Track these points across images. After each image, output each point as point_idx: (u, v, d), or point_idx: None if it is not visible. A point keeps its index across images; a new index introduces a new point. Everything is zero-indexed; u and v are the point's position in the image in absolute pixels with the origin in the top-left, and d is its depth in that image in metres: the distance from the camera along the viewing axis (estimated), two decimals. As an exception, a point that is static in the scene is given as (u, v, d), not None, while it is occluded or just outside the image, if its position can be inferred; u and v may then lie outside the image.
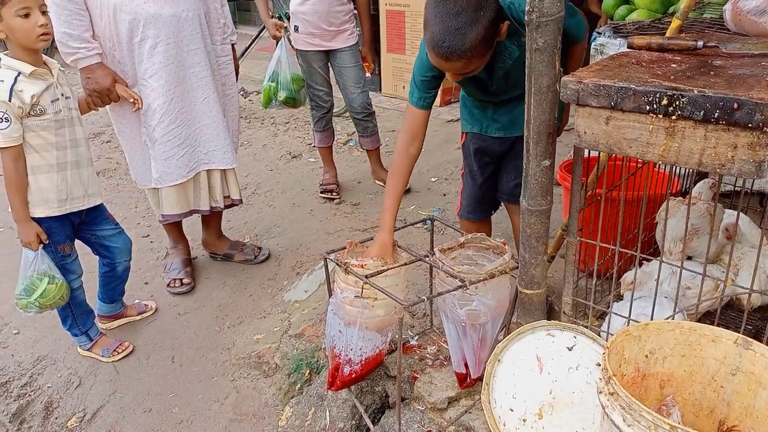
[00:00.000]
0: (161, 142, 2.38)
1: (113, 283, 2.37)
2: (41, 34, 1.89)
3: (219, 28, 2.52)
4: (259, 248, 2.95)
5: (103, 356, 2.32)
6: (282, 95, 3.34)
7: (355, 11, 3.36)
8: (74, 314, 2.24)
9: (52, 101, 1.96)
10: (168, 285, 2.71)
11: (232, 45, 2.65)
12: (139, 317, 2.52)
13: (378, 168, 3.66)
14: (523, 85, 1.41)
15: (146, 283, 2.80)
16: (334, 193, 3.52)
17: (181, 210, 2.55)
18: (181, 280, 2.71)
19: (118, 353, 2.32)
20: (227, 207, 2.74)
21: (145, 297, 2.68)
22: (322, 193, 3.55)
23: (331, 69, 3.40)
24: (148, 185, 2.52)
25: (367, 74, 3.49)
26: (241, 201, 2.78)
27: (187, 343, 2.40)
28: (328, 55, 3.31)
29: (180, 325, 2.50)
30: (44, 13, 1.91)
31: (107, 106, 2.41)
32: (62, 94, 2.01)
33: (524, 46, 1.58)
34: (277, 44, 3.34)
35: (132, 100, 2.30)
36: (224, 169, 2.60)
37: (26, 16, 1.86)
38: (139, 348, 2.38)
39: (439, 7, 1.52)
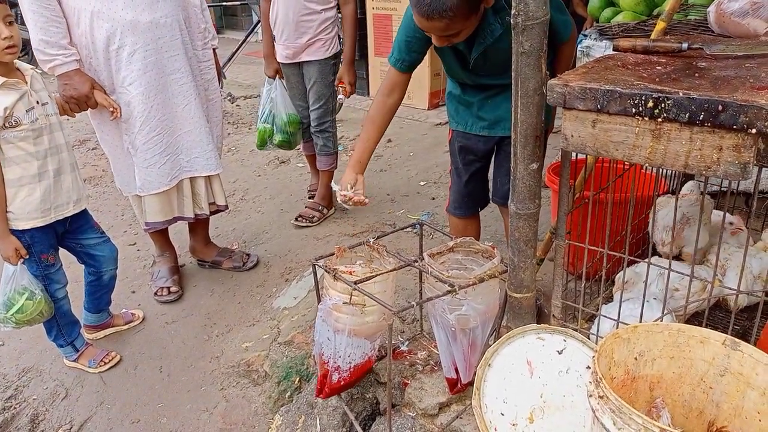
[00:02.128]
0: (142, 150, 2.37)
1: (99, 293, 2.34)
2: (6, 47, 1.84)
3: (200, 33, 2.49)
4: (248, 255, 2.92)
5: (89, 367, 2.28)
6: (277, 138, 3.22)
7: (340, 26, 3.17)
8: (59, 325, 2.20)
9: (27, 110, 1.91)
10: (155, 293, 2.69)
11: (214, 50, 2.62)
12: (126, 327, 2.49)
13: (325, 193, 3.35)
14: (505, 74, 1.41)
15: (133, 292, 2.77)
16: None
17: (165, 218, 2.53)
18: (168, 288, 2.68)
19: (105, 363, 2.29)
20: (213, 213, 2.72)
21: (133, 306, 2.65)
22: (310, 198, 3.53)
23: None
24: (132, 192, 2.50)
25: (340, 96, 3.25)
26: (226, 207, 2.76)
27: (175, 352, 2.37)
28: (302, 67, 3.13)
29: (168, 334, 2.47)
30: (10, 24, 1.86)
31: (89, 115, 2.38)
32: (38, 101, 1.96)
33: (508, 26, 1.55)
34: (268, 83, 3.24)
35: (111, 108, 2.28)
36: (209, 176, 2.58)
37: None
38: (127, 358, 2.35)
39: None
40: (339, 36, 3.14)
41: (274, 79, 3.21)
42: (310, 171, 3.67)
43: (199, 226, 2.84)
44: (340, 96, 3.26)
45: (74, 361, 2.29)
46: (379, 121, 1.87)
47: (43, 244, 2.05)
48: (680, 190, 2.14)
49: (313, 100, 3.14)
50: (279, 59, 3.14)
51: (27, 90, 1.93)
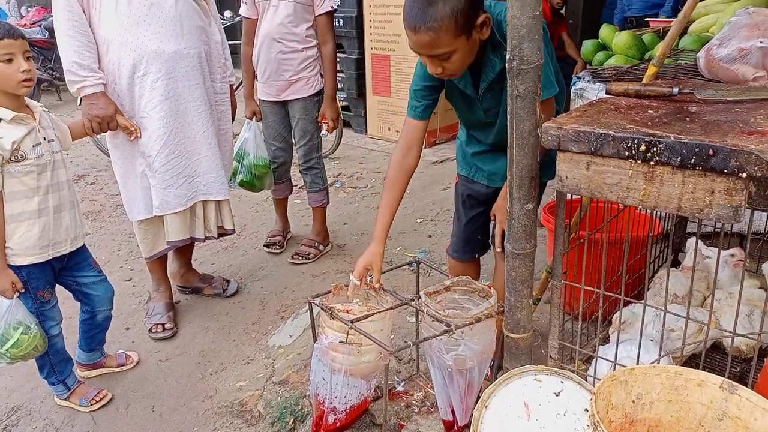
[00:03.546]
0: (161, 171, 2.47)
1: (92, 331, 2.32)
2: (23, 80, 1.90)
3: (219, 67, 2.65)
4: (227, 281, 2.99)
5: (80, 405, 2.24)
6: (240, 177, 3.22)
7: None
8: (52, 362, 2.17)
9: (33, 146, 1.94)
10: (150, 330, 2.66)
11: (230, 85, 2.76)
12: (118, 369, 2.44)
13: (320, 229, 3.37)
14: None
15: (127, 329, 2.74)
16: (277, 247, 3.43)
17: (184, 236, 2.62)
18: (163, 325, 2.66)
19: (96, 402, 2.25)
20: (220, 236, 2.80)
21: (126, 343, 2.62)
22: (264, 246, 3.46)
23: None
24: (138, 217, 2.56)
25: (323, 132, 3.27)
26: (233, 231, 2.83)
27: (167, 391, 2.34)
28: (285, 106, 3.17)
29: (161, 372, 2.44)
30: (28, 59, 1.93)
31: (107, 137, 2.49)
32: (44, 138, 2.00)
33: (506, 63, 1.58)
34: (246, 123, 3.27)
35: (133, 128, 2.40)
36: (219, 200, 2.68)
37: (9, 61, 1.87)
38: (119, 396, 2.32)
39: None
40: (321, 74, 3.19)
41: (251, 119, 3.25)
42: (276, 215, 3.59)
43: (184, 252, 2.90)
44: (323, 132, 3.30)
45: (65, 399, 2.25)
46: (397, 188, 1.90)
47: (40, 281, 2.05)
48: (674, 231, 2.15)
49: (299, 137, 3.18)
50: (262, 97, 3.18)
51: (35, 126, 1.97)
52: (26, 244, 1.97)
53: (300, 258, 3.25)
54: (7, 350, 1.94)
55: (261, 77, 3.12)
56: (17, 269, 1.98)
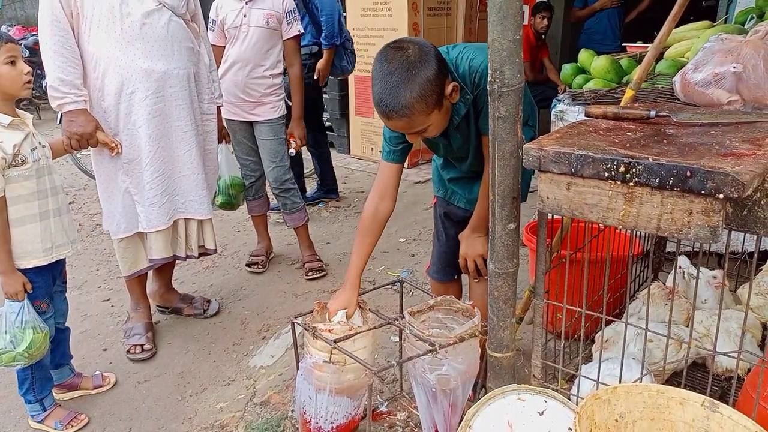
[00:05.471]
0: (147, 189, 2.47)
1: (52, 344, 2.27)
2: (26, 82, 1.94)
3: (208, 88, 2.67)
4: (208, 301, 2.96)
5: (55, 429, 2.18)
6: (219, 199, 3.22)
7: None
8: (34, 377, 2.12)
9: (31, 150, 1.97)
10: (128, 351, 2.61)
11: (218, 107, 2.79)
12: (95, 391, 2.39)
13: (306, 249, 3.39)
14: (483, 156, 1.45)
15: (105, 350, 2.69)
16: (259, 266, 3.41)
17: (167, 254, 2.59)
18: (142, 345, 2.62)
19: (72, 426, 2.19)
20: (201, 255, 2.77)
21: (104, 364, 2.57)
22: (246, 265, 3.44)
23: None
24: (119, 235, 2.54)
25: (291, 150, 3.36)
26: (215, 251, 2.81)
27: (146, 413, 2.29)
28: (252, 125, 3.26)
29: (139, 393, 2.39)
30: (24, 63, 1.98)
31: (91, 153, 2.48)
32: (39, 143, 2.03)
33: (470, 104, 1.63)
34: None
35: (113, 144, 2.38)
36: (201, 220, 2.66)
37: (12, 63, 1.91)
38: (95, 419, 2.26)
39: (376, 67, 1.57)
40: (286, 102, 3.30)
41: (221, 143, 3.25)
42: (258, 236, 3.58)
43: (164, 271, 2.87)
44: (291, 150, 3.37)
45: (40, 422, 2.19)
46: (370, 238, 1.87)
47: (40, 289, 2.04)
48: (654, 250, 2.18)
49: (270, 159, 3.23)
50: (228, 117, 3.19)
51: (30, 131, 2.00)
52: (30, 247, 1.99)
53: (316, 273, 3.27)
54: (24, 351, 1.95)
55: (226, 97, 3.14)
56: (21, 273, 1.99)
